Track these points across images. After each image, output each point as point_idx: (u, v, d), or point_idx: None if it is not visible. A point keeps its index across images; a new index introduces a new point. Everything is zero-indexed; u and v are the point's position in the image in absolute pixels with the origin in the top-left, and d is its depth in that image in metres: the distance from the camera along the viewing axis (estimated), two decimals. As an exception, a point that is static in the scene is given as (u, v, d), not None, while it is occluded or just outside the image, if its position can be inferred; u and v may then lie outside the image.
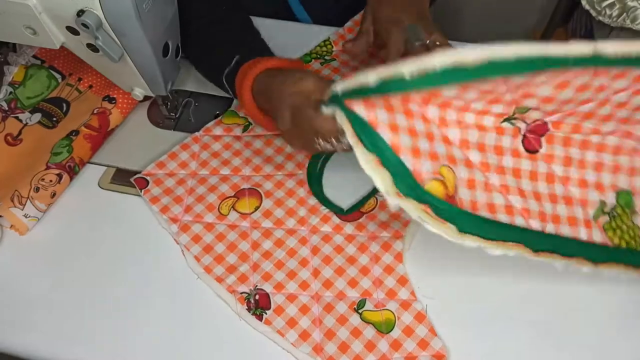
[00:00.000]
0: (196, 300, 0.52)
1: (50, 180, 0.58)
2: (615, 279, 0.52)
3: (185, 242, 0.55)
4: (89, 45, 0.51)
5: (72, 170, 0.60)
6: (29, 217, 0.56)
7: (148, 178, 0.60)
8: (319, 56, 0.71)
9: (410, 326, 0.49)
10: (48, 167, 0.58)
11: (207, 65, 0.65)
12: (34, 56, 0.67)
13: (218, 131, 0.64)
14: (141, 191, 0.58)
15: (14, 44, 0.67)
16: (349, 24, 0.74)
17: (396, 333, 0.49)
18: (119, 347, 0.50)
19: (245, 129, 0.64)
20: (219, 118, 0.65)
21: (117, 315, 0.52)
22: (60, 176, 0.59)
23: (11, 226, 0.56)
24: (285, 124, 0.51)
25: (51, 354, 0.50)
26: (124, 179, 0.61)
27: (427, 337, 0.49)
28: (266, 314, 0.50)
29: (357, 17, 0.75)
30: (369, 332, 0.49)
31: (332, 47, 0.72)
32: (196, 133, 0.64)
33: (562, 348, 0.48)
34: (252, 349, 0.49)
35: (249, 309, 0.51)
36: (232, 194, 0.59)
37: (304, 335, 0.49)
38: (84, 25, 0.47)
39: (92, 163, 0.63)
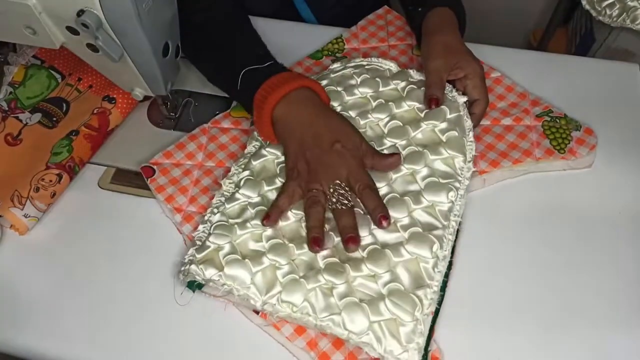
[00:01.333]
0: (194, 296, 0.52)
1: (50, 180, 0.58)
2: (614, 276, 0.52)
3: (188, 232, 0.56)
4: (89, 45, 0.51)
5: (72, 170, 0.60)
6: (29, 217, 0.56)
7: (155, 167, 0.60)
8: (330, 53, 0.71)
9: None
10: (48, 167, 0.58)
11: (214, 65, 0.65)
12: (34, 56, 0.67)
13: (226, 124, 0.64)
14: (147, 179, 0.59)
15: (14, 44, 0.67)
16: (362, 22, 0.74)
17: None
18: (119, 346, 0.50)
19: (253, 123, 0.64)
20: (228, 111, 0.65)
21: (117, 314, 0.52)
22: (60, 176, 0.59)
23: (11, 226, 0.56)
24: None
25: (51, 354, 0.50)
26: (124, 179, 0.61)
27: None
28: None
29: (371, 16, 0.75)
30: None
31: (344, 44, 0.72)
32: (204, 125, 0.64)
33: (557, 348, 0.48)
34: (247, 341, 0.50)
35: None
36: None
37: (299, 330, 0.49)
38: (84, 25, 0.47)
39: (92, 163, 0.63)
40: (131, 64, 0.54)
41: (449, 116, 0.58)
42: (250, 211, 0.53)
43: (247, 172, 0.56)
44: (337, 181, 0.52)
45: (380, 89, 0.62)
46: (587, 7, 0.99)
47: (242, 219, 0.53)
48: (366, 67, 0.65)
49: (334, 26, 0.75)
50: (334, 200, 0.51)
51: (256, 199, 0.54)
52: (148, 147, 0.64)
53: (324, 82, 0.63)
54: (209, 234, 0.52)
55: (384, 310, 0.46)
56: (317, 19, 0.81)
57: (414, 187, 0.54)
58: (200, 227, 0.53)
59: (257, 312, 0.50)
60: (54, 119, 0.63)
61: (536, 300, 0.51)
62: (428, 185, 0.54)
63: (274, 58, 0.61)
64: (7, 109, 0.63)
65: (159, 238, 0.57)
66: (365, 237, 0.51)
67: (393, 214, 0.52)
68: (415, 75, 0.63)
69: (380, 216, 0.49)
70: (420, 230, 0.51)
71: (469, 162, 0.56)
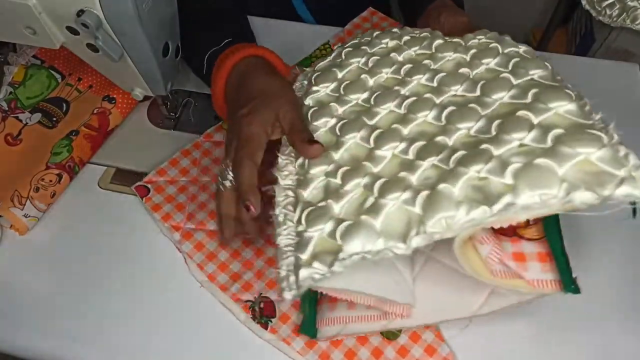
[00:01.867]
0: (197, 301, 0.52)
1: (50, 180, 0.58)
2: (615, 277, 0.52)
3: (188, 250, 0.54)
4: (89, 45, 0.51)
5: (72, 170, 0.60)
6: (29, 217, 0.56)
7: (149, 185, 0.59)
8: (318, 60, 0.71)
9: (416, 332, 0.49)
10: (48, 167, 0.58)
11: (194, 45, 0.63)
12: (34, 56, 0.67)
13: (218, 137, 0.63)
14: (142, 199, 0.58)
15: (14, 44, 0.67)
16: (348, 26, 0.74)
17: (403, 339, 0.49)
18: (119, 347, 0.50)
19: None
20: (219, 123, 0.64)
21: (117, 315, 0.52)
22: (60, 176, 0.59)
23: (11, 226, 0.56)
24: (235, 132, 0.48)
25: (51, 354, 0.50)
26: (124, 179, 0.61)
27: (434, 343, 0.48)
28: (271, 322, 0.50)
29: (357, 19, 0.75)
30: (376, 338, 0.49)
31: (331, 50, 0.71)
32: (197, 139, 0.63)
33: (556, 348, 0.48)
34: (256, 358, 0.49)
35: (254, 318, 0.50)
36: None
37: (310, 344, 0.48)
38: (84, 25, 0.47)
39: (92, 163, 0.63)
40: (131, 64, 0.54)
41: (503, 51, 0.49)
42: (334, 181, 0.44)
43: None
44: (225, 160, 0.47)
45: (400, 57, 0.54)
46: (587, 7, 0.99)
47: (332, 192, 0.43)
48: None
49: (334, 26, 0.75)
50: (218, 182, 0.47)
51: (331, 166, 0.45)
52: (148, 147, 0.64)
53: (337, 71, 0.55)
54: (304, 230, 0.41)
55: (567, 151, 0.36)
56: (315, 19, 0.81)
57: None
58: (281, 231, 0.43)
59: (265, 328, 0.49)
60: (54, 119, 0.63)
61: (535, 299, 0.51)
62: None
63: (241, 35, 0.61)
64: (7, 109, 0.63)
65: (159, 238, 0.56)
66: (474, 125, 0.42)
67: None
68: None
69: (245, 204, 0.44)
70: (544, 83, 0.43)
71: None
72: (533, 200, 0.36)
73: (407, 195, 0.40)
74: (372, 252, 0.38)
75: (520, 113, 0.41)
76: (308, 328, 0.48)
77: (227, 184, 0.47)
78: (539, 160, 0.37)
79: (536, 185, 0.36)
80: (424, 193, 0.39)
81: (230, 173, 0.46)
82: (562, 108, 0.41)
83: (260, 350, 0.49)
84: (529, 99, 0.42)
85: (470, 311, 0.47)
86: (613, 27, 0.98)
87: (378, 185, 0.41)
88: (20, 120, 0.62)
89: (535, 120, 0.40)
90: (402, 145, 0.44)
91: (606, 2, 0.95)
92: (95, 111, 0.63)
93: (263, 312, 0.50)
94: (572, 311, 0.50)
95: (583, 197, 0.36)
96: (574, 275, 0.42)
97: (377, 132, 0.46)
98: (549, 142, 0.38)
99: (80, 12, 0.46)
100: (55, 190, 0.58)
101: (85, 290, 0.53)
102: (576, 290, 0.43)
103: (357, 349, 0.48)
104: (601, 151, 0.36)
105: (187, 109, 0.68)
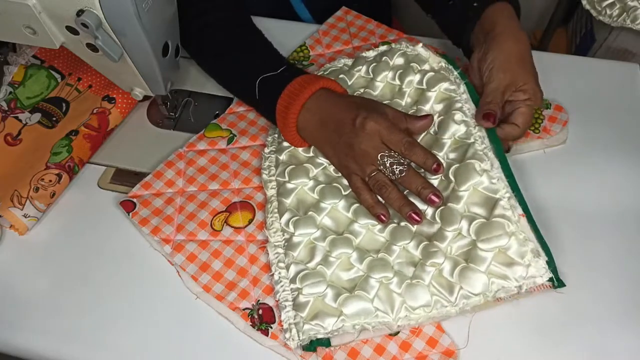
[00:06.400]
0: (198, 301, 0.52)
1: (50, 180, 0.58)
2: (615, 276, 0.52)
3: (181, 262, 0.53)
4: (89, 45, 0.51)
5: (71, 170, 0.60)
6: (29, 217, 0.56)
7: (135, 200, 0.57)
8: (296, 62, 0.70)
9: (417, 326, 0.49)
10: (47, 167, 0.58)
11: (227, 72, 0.64)
12: (34, 56, 0.67)
13: (202, 146, 0.62)
14: (129, 214, 0.56)
15: (14, 44, 0.67)
16: (323, 27, 0.73)
17: (404, 334, 0.49)
18: (119, 346, 0.50)
19: (230, 141, 0.62)
20: (202, 132, 0.63)
21: (116, 314, 0.52)
22: (59, 176, 0.59)
23: (11, 226, 0.56)
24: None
25: (51, 354, 0.50)
26: (124, 178, 0.61)
27: (435, 335, 0.49)
28: (272, 328, 0.49)
29: (331, 19, 0.74)
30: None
31: (309, 51, 0.71)
32: (179, 149, 0.62)
33: (556, 348, 0.49)
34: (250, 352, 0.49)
35: (253, 325, 0.50)
36: (224, 209, 0.57)
37: None
38: (84, 25, 0.47)
39: (91, 163, 0.63)
40: (131, 63, 0.54)
41: (420, 68, 0.59)
42: (322, 245, 0.52)
43: (287, 214, 0.54)
44: (380, 153, 0.52)
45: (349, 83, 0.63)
46: (587, 7, 0.99)
47: (321, 258, 0.51)
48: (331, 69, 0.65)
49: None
50: (389, 172, 0.51)
51: (318, 233, 0.52)
52: (148, 147, 0.64)
53: None
54: (299, 289, 0.49)
55: (483, 254, 0.48)
56: (315, 19, 0.81)
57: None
58: (278, 288, 0.50)
59: (266, 334, 0.49)
60: (54, 118, 0.63)
61: (535, 299, 0.51)
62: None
63: (284, 58, 0.61)
64: (7, 109, 0.63)
65: (158, 238, 0.56)
66: (426, 209, 0.52)
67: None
68: (368, 53, 0.64)
69: (431, 194, 0.50)
70: (457, 164, 0.52)
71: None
72: (477, 298, 0.47)
73: (395, 279, 0.49)
74: (374, 324, 0.47)
75: (449, 205, 0.50)
76: (321, 344, 0.48)
77: (403, 165, 0.52)
78: (470, 265, 0.48)
79: (472, 286, 0.47)
80: (406, 282, 0.49)
81: (399, 158, 0.52)
82: (475, 184, 0.50)
83: (261, 358, 0.49)
84: (452, 181, 0.52)
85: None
86: (613, 27, 0.98)
87: (366, 263, 0.50)
88: (20, 120, 0.62)
89: (460, 205, 0.50)
90: (378, 226, 0.53)
91: (606, 2, 0.95)
92: (95, 111, 0.63)
93: (262, 319, 0.50)
94: (572, 310, 0.50)
95: (505, 290, 0.47)
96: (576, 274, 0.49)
97: (354, 206, 0.54)
98: (473, 237, 0.49)
99: (80, 12, 0.46)
100: (55, 190, 0.58)
101: (85, 290, 0.53)
102: (562, 284, 0.49)
103: (359, 347, 0.48)
104: (512, 244, 0.47)
105: (187, 109, 0.68)
